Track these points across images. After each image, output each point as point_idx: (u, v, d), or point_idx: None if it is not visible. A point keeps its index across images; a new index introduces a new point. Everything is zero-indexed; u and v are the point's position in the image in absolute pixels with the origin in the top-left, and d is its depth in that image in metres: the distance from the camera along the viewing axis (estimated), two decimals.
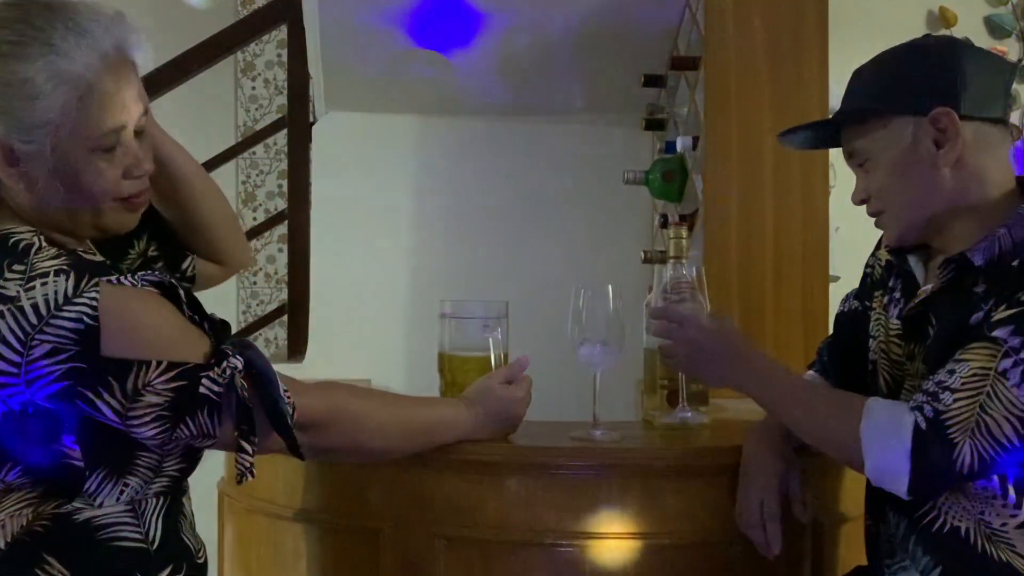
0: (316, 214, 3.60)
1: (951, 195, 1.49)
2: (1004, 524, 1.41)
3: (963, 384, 1.36)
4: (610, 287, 1.71)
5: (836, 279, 2.63)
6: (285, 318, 3.64)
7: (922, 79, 1.50)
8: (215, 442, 1.32)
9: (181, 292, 1.33)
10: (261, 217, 4.84)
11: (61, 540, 1.29)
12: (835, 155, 2.59)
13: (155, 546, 1.34)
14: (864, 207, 1.58)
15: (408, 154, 3.73)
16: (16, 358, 1.23)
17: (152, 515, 1.35)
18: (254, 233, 4.18)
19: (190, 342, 1.30)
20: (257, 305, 4.93)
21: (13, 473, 1.28)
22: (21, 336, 1.22)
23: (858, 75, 1.58)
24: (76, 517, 1.30)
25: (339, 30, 3.26)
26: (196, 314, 1.34)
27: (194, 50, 3.18)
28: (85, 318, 1.23)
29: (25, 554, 1.29)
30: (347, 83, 3.49)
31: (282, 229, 4.06)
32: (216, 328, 1.34)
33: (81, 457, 1.28)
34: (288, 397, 1.34)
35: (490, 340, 1.72)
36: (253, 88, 5.06)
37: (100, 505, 1.31)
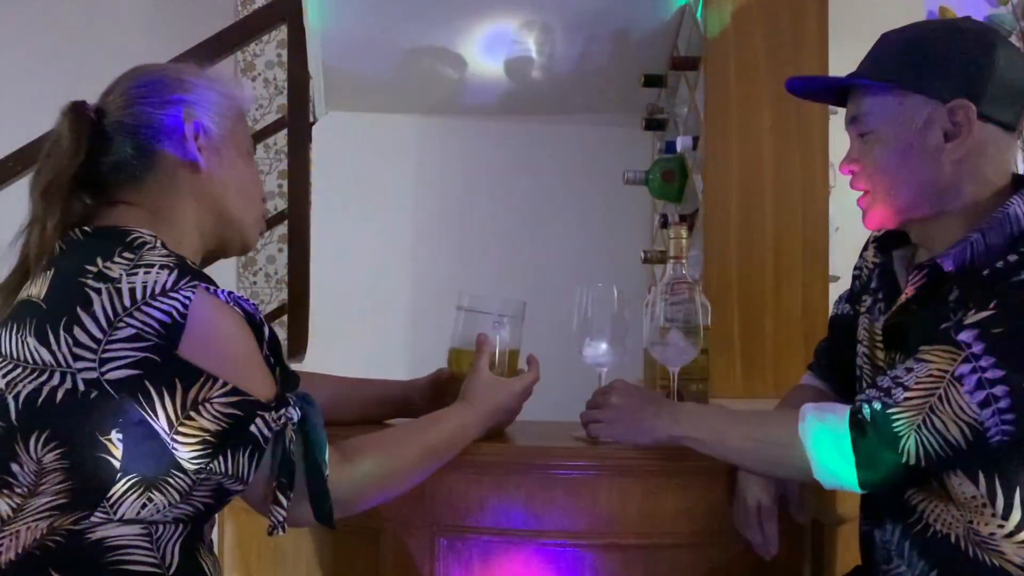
0: (316, 214, 3.61)
1: (944, 190, 1.45)
2: (993, 534, 1.39)
3: (917, 383, 1.35)
4: (615, 287, 1.71)
5: (836, 279, 2.63)
6: (285, 318, 3.64)
7: (951, 64, 1.43)
8: (245, 490, 1.32)
9: (266, 330, 1.36)
10: None
11: (71, 558, 1.29)
12: (835, 155, 2.60)
13: (171, 571, 1.33)
14: (853, 192, 1.53)
15: (408, 154, 3.74)
16: (99, 335, 1.26)
17: (169, 540, 1.34)
18: None
19: (258, 378, 1.32)
20: (257, 305, 4.93)
21: (53, 454, 1.28)
22: (111, 315, 1.26)
23: (886, 41, 1.52)
24: (89, 536, 1.29)
25: (339, 30, 3.26)
26: (273, 356, 1.36)
27: (194, 50, 3.18)
28: (175, 313, 1.27)
29: (34, 569, 1.28)
30: (347, 83, 3.49)
31: (282, 229, 4.06)
32: (286, 375, 1.37)
33: (120, 456, 1.28)
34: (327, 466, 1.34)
35: (497, 337, 1.71)
36: (253, 88, 5.06)
37: (120, 518, 1.30)
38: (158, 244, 1.36)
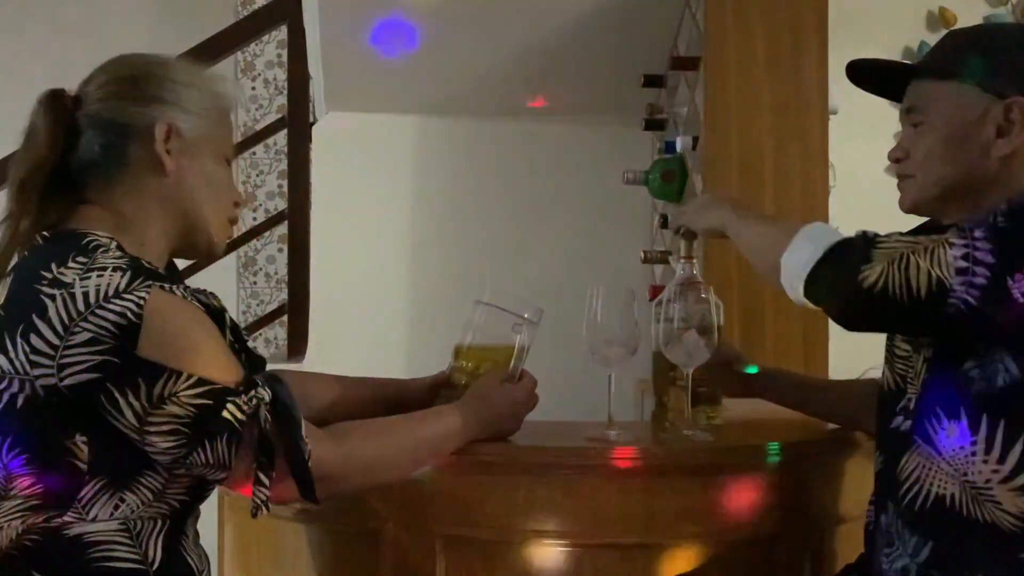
0: (316, 214, 3.61)
1: (985, 185, 1.47)
2: (988, 480, 1.39)
3: (913, 239, 1.39)
4: (626, 287, 1.70)
5: None
6: (285, 318, 3.64)
7: (1011, 62, 1.46)
8: (228, 476, 1.32)
9: (227, 318, 1.36)
10: (261, 217, 4.83)
11: (51, 557, 1.28)
12: (835, 155, 2.60)
13: (155, 566, 1.33)
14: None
15: (408, 154, 3.74)
16: (56, 341, 1.25)
17: (150, 536, 1.33)
18: (254, 233, 4.18)
19: (224, 365, 1.31)
20: (257, 305, 4.93)
21: (17, 461, 1.28)
22: (66, 320, 1.25)
23: (951, 36, 1.55)
24: (66, 532, 1.29)
25: (339, 30, 3.26)
26: (237, 343, 1.37)
27: (194, 50, 3.18)
28: (129, 314, 1.25)
29: (14, 570, 1.28)
30: (347, 83, 3.49)
31: (282, 229, 4.06)
32: (253, 359, 1.38)
33: (87, 459, 1.28)
34: (307, 443, 1.34)
35: (516, 338, 1.70)
36: (253, 88, 5.06)
37: (93, 519, 1.29)
38: (113, 246, 1.34)
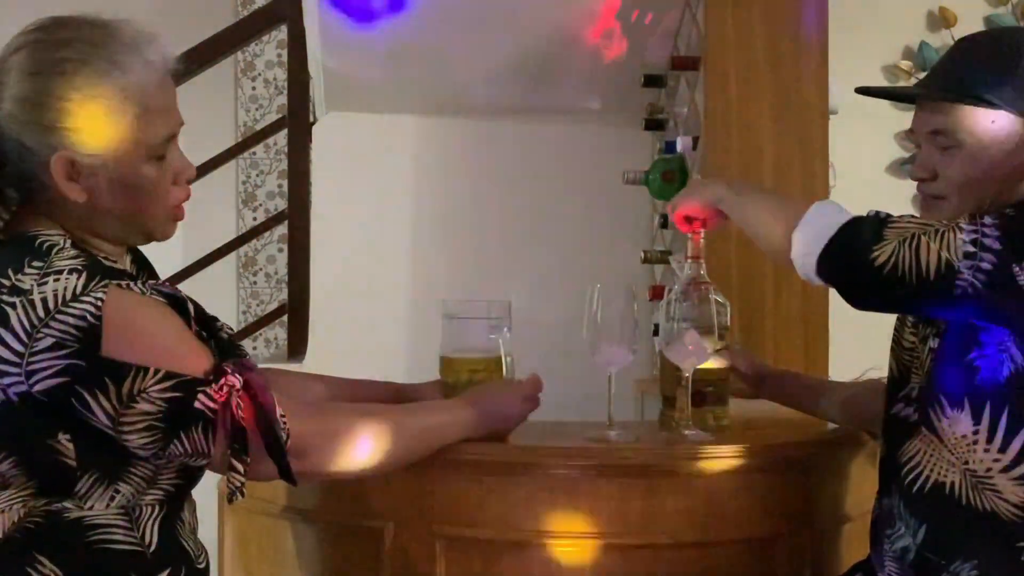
0: (316, 214, 3.61)
1: (1010, 200, 1.49)
2: (989, 469, 1.42)
3: (923, 220, 1.44)
4: (626, 287, 1.71)
5: None
6: (285, 318, 3.64)
7: None
8: (209, 462, 1.33)
9: (191, 307, 1.35)
10: (261, 217, 4.84)
11: (53, 539, 1.30)
12: (835, 155, 2.60)
13: (151, 549, 1.34)
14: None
15: (408, 154, 3.73)
16: (20, 348, 1.26)
17: (148, 520, 1.35)
18: (254, 233, 4.18)
19: (191, 356, 1.31)
20: (257, 305, 4.92)
21: (7, 463, 1.30)
22: (28, 328, 1.26)
23: (969, 50, 1.54)
24: (67, 515, 1.31)
25: (339, 30, 3.26)
26: (205, 330, 1.36)
27: (194, 50, 3.18)
28: (88, 316, 1.26)
29: (17, 552, 1.29)
30: (347, 83, 3.49)
31: (282, 229, 4.07)
32: (223, 346, 1.37)
33: (74, 457, 1.29)
34: (284, 422, 1.35)
35: (499, 340, 1.71)
36: (253, 88, 5.07)
37: (91, 508, 1.31)
38: (67, 244, 1.33)
